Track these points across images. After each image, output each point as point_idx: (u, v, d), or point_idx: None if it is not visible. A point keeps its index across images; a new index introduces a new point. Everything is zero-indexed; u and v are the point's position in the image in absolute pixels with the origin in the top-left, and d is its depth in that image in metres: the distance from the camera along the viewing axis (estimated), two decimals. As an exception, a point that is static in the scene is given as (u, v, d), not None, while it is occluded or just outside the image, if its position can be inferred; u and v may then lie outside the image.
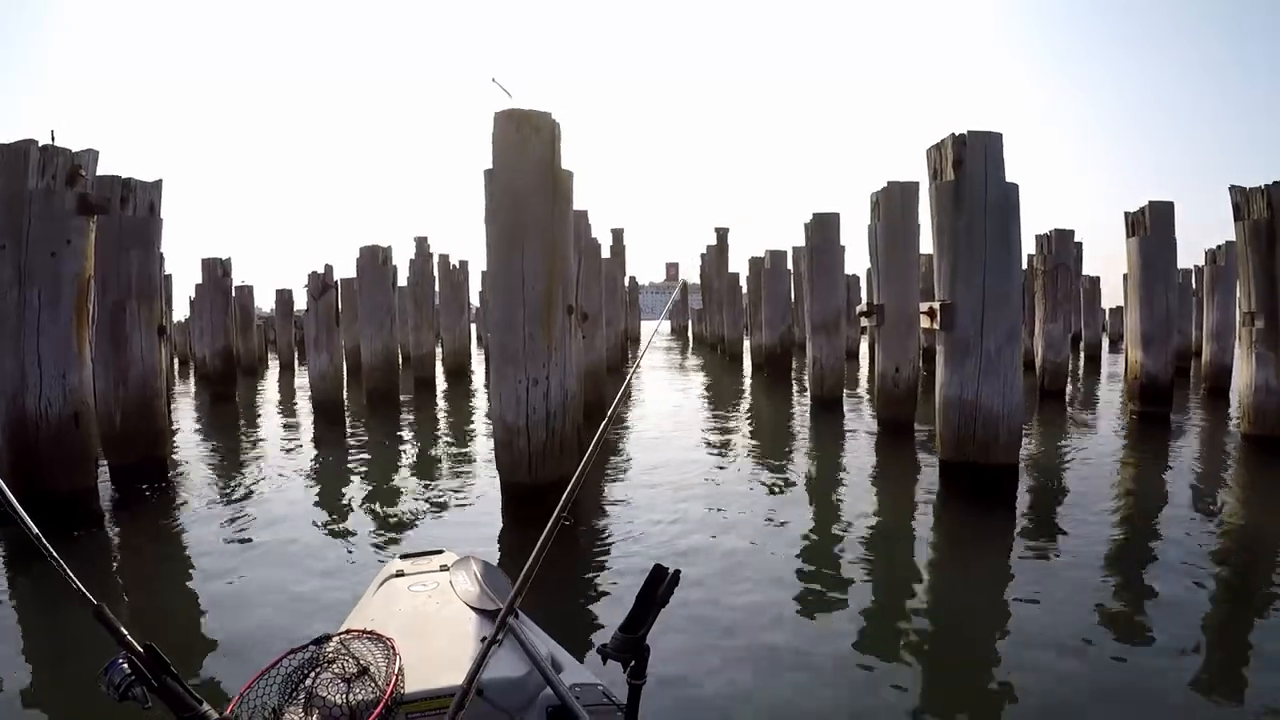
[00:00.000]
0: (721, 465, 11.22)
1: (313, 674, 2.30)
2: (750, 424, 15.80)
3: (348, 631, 2.52)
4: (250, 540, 7.79)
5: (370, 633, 2.47)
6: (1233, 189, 11.05)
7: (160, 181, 10.32)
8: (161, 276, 11.06)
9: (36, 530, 2.02)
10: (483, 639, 2.51)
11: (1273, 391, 10.70)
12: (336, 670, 2.30)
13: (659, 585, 1.95)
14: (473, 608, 2.95)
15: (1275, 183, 10.61)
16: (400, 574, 3.42)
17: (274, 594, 6.24)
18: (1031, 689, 4.48)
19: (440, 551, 3.67)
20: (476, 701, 2.29)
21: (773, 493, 9.49)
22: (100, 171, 9.00)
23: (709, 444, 13.06)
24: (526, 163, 7.71)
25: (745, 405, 18.94)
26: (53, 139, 8.14)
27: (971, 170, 8.17)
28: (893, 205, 12.48)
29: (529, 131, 7.72)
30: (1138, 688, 4.49)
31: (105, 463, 9.74)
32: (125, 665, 1.91)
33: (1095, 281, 30.78)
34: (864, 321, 13.33)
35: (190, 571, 7.07)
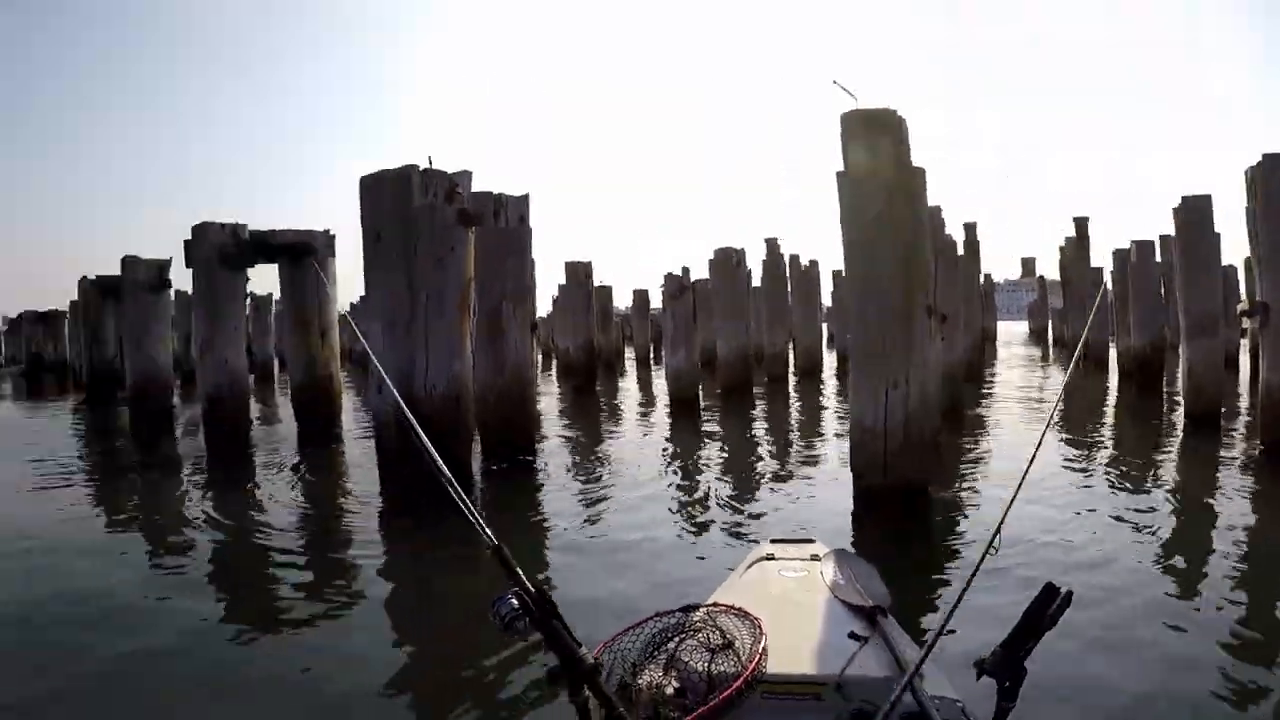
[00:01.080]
0: (1084, 481, 10.28)
1: (677, 639, 2.44)
2: (1112, 438, 14.38)
3: (715, 605, 2.64)
4: (612, 516, 8.63)
5: (738, 609, 2.55)
6: None
7: (527, 195, 11.48)
8: (533, 280, 12.26)
9: (450, 476, 2.39)
10: (849, 633, 2.65)
11: None
12: (701, 639, 2.41)
13: (1048, 606, 1.89)
14: (841, 600, 2.93)
15: None
16: (771, 557, 3.47)
17: (634, 568, 6.75)
18: None
19: (811, 540, 3.71)
20: (835, 696, 2.36)
21: (1132, 513, 8.56)
22: (475, 188, 10.17)
23: (1069, 456, 12.00)
24: (877, 163, 7.80)
25: (1108, 417, 17.32)
26: (430, 163, 9.25)
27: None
28: (1272, 183, 10.66)
29: (877, 131, 7.82)
30: None
31: (480, 443, 10.97)
32: (514, 600, 2.11)
33: None
34: (1245, 322, 11.72)
35: (554, 539, 7.90)
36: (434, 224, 9.06)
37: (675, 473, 11.00)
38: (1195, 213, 14.27)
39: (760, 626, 2.43)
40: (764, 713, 2.31)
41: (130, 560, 7.71)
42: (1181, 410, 14.91)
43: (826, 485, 10.01)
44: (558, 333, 28.95)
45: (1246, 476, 10.45)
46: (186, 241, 13.92)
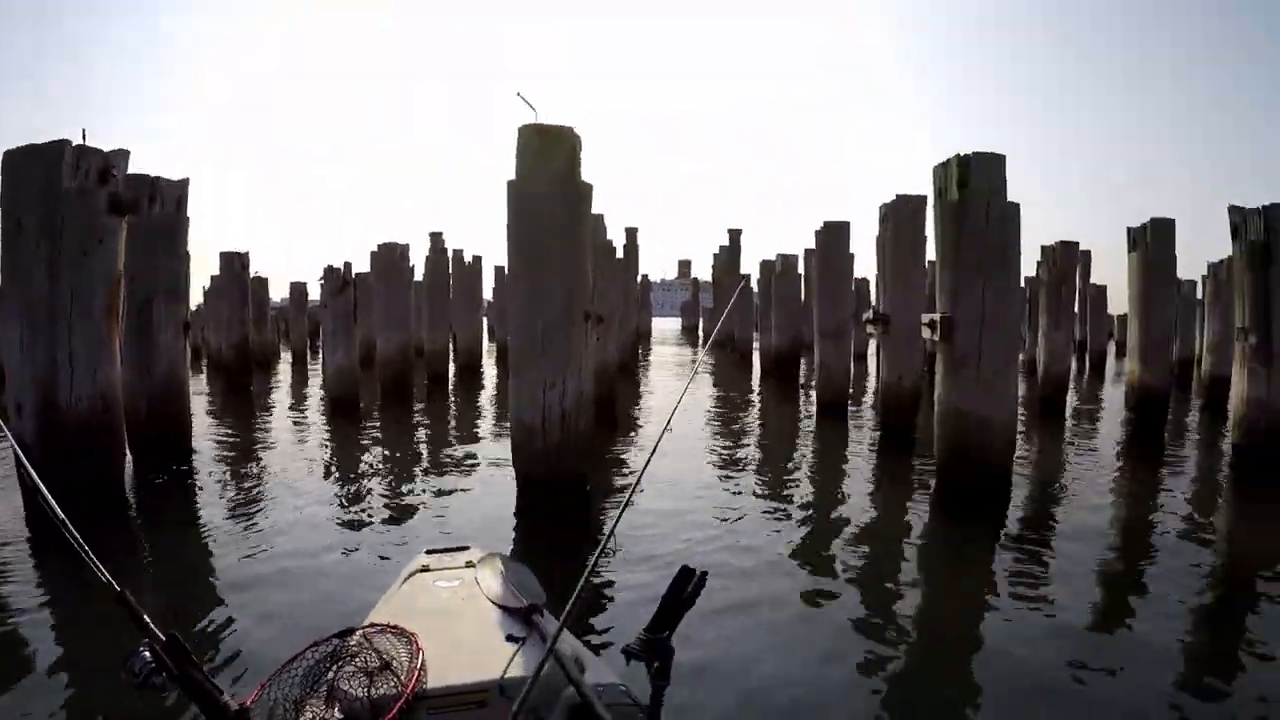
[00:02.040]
0: (730, 468, 11.52)
1: (335, 667, 2.36)
2: (758, 427, 16.11)
3: (371, 625, 2.59)
4: (273, 532, 7.98)
5: (394, 627, 2.53)
6: (1231, 209, 11.22)
7: (187, 180, 10.64)
8: (188, 275, 11.35)
9: (64, 517, 2.06)
10: (507, 636, 2.68)
11: (1264, 406, 10.87)
12: (359, 664, 2.35)
13: (685, 586, 1.95)
14: (498, 604, 2.94)
15: (1272, 205, 10.79)
16: (426, 569, 3.43)
17: (294, 585, 6.43)
18: (1011, 683, 4.83)
19: (466, 548, 3.68)
20: (499, 700, 2.36)
21: (776, 496, 9.77)
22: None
23: (717, 446, 13.34)
24: (549, 176, 8.03)
25: (754, 408, 19.22)
26: (84, 138, 8.30)
27: (975, 190, 8.42)
28: (901, 218, 12.79)
29: (551, 145, 8.03)
30: (1108, 694, 4.75)
31: (130, 454, 10.01)
32: (147, 654, 1.91)
33: (1102, 290, 30.91)
34: (870, 329, 13.56)
35: (211, 561, 7.28)
36: (83, 210, 8.10)
37: (335, 480, 10.46)
38: (834, 234, 16.59)
39: (416, 642, 2.45)
40: None
41: None
42: (815, 400, 17.02)
43: (489, 483, 10.19)
44: (210, 328, 26.96)
45: (870, 453, 12.61)
46: None
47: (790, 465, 11.93)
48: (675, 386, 23.19)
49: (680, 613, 1.97)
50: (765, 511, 9.02)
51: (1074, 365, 27.60)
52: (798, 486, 10.51)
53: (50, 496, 2.16)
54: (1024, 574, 6.91)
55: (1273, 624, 5.94)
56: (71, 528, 2.07)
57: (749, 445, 13.76)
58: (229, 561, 7.15)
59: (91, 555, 2.05)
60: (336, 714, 2.22)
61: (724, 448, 13.23)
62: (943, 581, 7.09)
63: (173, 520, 8.62)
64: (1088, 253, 34.62)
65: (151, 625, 1.94)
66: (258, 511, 8.78)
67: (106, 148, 8.46)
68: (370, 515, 8.74)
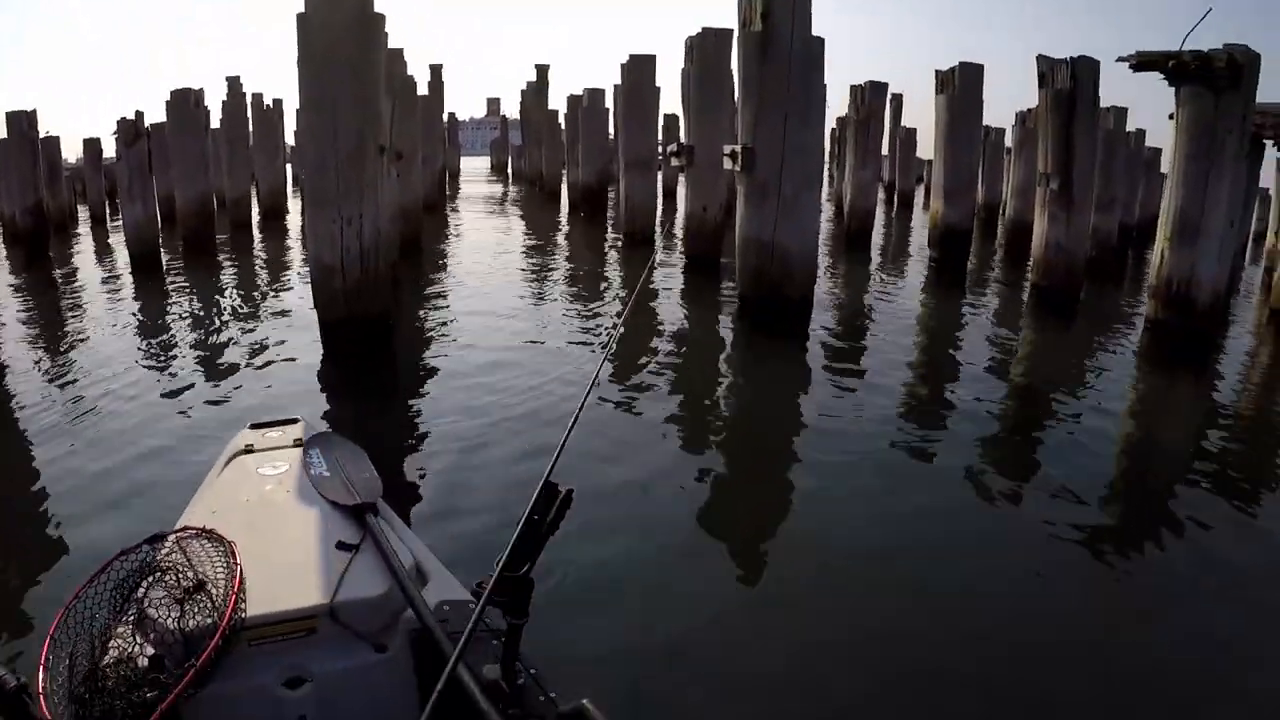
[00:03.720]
0: (540, 302, 11.74)
1: (145, 583, 2.08)
2: (567, 260, 16.31)
3: (185, 529, 2.29)
4: (83, 406, 7.19)
5: (210, 532, 2.24)
6: (1040, 58, 11.70)
7: None
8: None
9: None
10: (338, 543, 2.35)
11: (1061, 248, 11.60)
12: (170, 583, 2.07)
13: (548, 509, 1.73)
14: (328, 499, 2.63)
15: (1079, 56, 11.34)
16: (250, 449, 3.10)
17: (109, 473, 5.71)
18: (810, 488, 5.29)
19: (295, 420, 3.35)
20: (330, 626, 2.10)
21: (585, 325, 10.09)
22: None
23: (529, 280, 13.53)
24: (338, 6, 7.60)
25: (562, 241, 19.42)
26: None
27: (778, 21, 8.57)
28: (706, 51, 12.80)
29: (343, -24, 7.59)
30: (906, 497, 5.23)
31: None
32: None
33: (912, 133, 31.76)
34: (675, 161, 13.73)
35: (18, 440, 6.58)
36: None
37: (146, 345, 9.58)
38: (640, 68, 16.46)
39: (234, 554, 2.13)
40: (255, 662, 2.03)
41: None
42: (622, 232, 17.32)
43: (298, 329, 9.80)
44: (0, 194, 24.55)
45: (673, 280, 13.18)
46: None
47: (597, 291, 12.29)
48: (484, 224, 22.91)
49: (543, 540, 1.75)
50: (577, 340, 9.31)
51: (884, 206, 29.02)
52: (606, 311, 10.88)
53: None
54: (826, 381, 7.60)
55: (1055, 435, 6.68)
56: None
57: (557, 277, 14.02)
58: (42, 442, 6.44)
59: None
60: (147, 649, 1.93)
61: (533, 280, 13.48)
62: (750, 388, 7.70)
63: None
64: (899, 96, 35.45)
65: None
66: (67, 381, 8.05)
67: None
68: (182, 379, 8.11)
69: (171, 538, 2.24)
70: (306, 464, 2.86)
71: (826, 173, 32.44)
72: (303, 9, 7.69)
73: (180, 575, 2.07)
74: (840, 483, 5.34)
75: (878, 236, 20.25)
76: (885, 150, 33.04)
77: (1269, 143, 13.98)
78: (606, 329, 9.84)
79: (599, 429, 6.14)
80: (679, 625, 3.68)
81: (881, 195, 30.68)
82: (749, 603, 4.03)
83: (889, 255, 18.17)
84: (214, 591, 2.02)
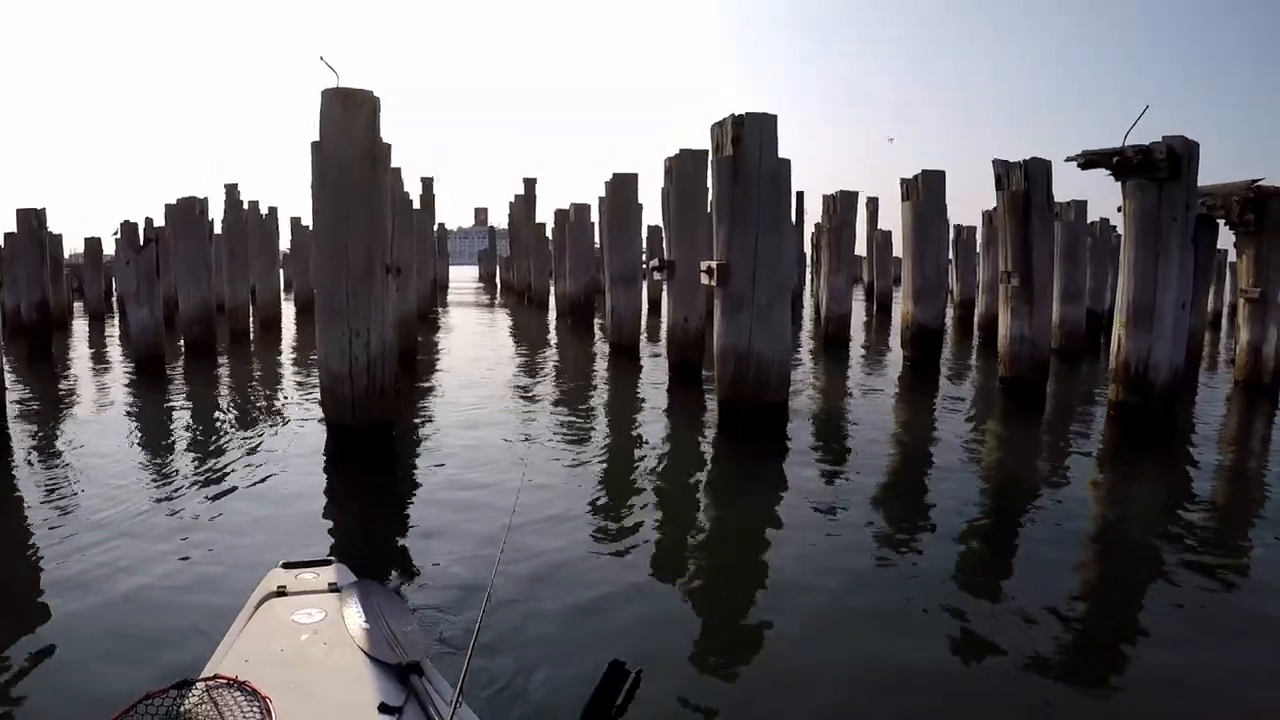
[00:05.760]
0: (530, 405, 12.27)
1: None
2: (556, 367, 16.92)
3: (216, 678, 2.19)
4: (92, 529, 6.80)
5: (242, 684, 2.14)
6: (995, 162, 12.45)
7: None
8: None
9: None
10: (380, 705, 2.22)
11: (1025, 340, 12.17)
12: None
13: (617, 689, 1.69)
14: (369, 655, 2.50)
15: (1031, 158, 12.09)
16: (282, 591, 2.98)
17: (121, 574, 5.73)
18: (791, 603, 5.37)
19: (329, 562, 3.28)
20: None
21: (573, 430, 10.52)
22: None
23: (518, 385, 14.13)
24: (350, 137, 8.32)
25: (551, 350, 20.03)
26: None
27: (748, 147, 9.27)
28: (684, 171, 13.65)
29: (353, 109, 8.31)
30: (886, 603, 5.37)
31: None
32: None
33: (888, 235, 32.57)
34: (656, 275, 14.37)
35: (29, 547, 6.55)
36: None
37: (152, 445, 10.01)
38: (623, 186, 17.39)
39: (270, 709, 2.04)
40: None
41: None
42: (609, 342, 17.84)
43: (303, 433, 10.35)
44: (7, 290, 24.97)
45: (660, 390, 13.59)
46: None
47: (586, 401, 12.79)
48: (476, 342, 23.33)
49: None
50: (565, 442, 9.81)
51: (863, 307, 29.76)
52: (594, 418, 11.40)
53: None
54: (803, 490, 7.86)
55: (1036, 529, 7.04)
56: None
57: (546, 383, 14.62)
58: (46, 547, 6.44)
59: None
60: None
61: (524, 386, 14.05)
62: (728, 499, 7.96)
63: None
64: (875, 199, 36.78)
65: None
66: (72, 507, 7.58)
67: None
68: (190, 474, 8.50)
69: (201, 685, 2.14)
70: (345, 614, 2.74)
71: (809, 277, 33.39)
72: (316, 138, 8.39)
73: None
74: (814, 607, 5.30)
75: (857, 338, 20.84)
76: (865, 252, 34.16)
77: (1221, 222, 14.68)
78: (596, 433, 10.32)
79: (579, 536, 6.49)
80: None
81: (861, 296, 31.56)
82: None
83: (867, 356, 18.74)
84: None
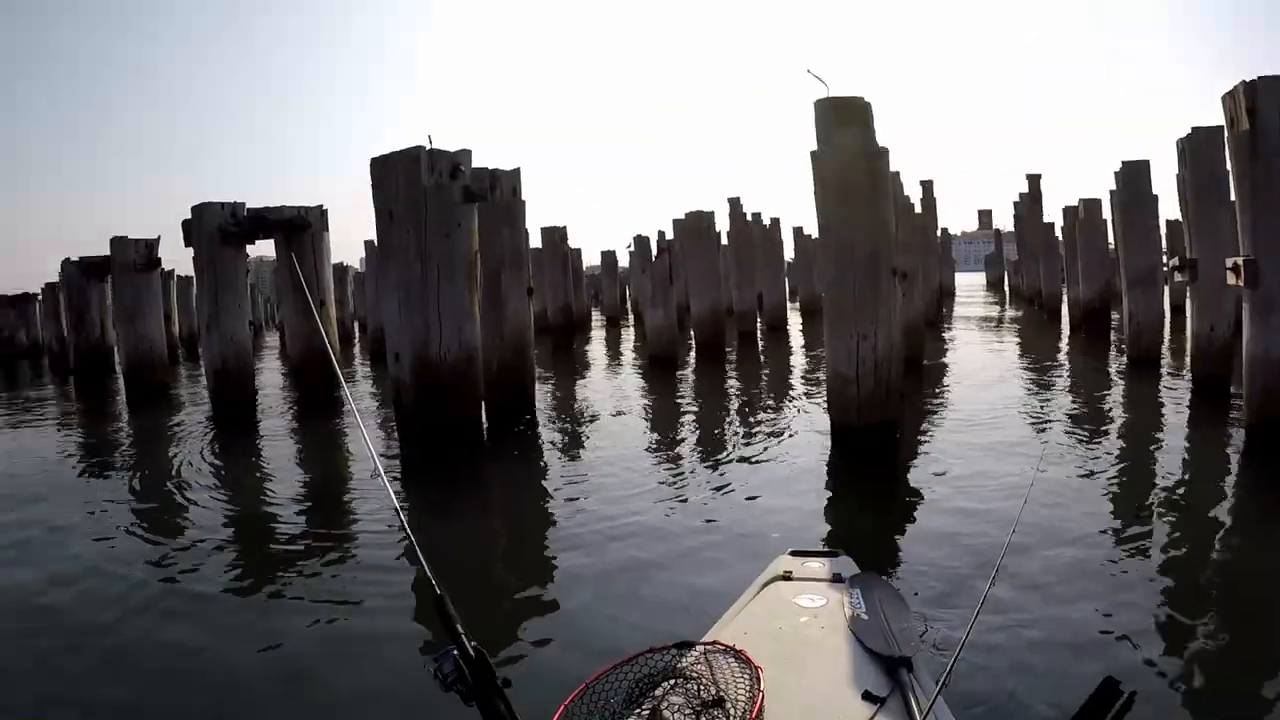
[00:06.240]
0: (1032, 417, 11.77)
1: (666, 684, 2.16)
2: (1068, 379, 15.79)
3: (714, 643, 2.35)
4: (611, 497, 8.26)
5: (738, 652, 2.28)
6: None
7: (518, 170, 12.43)
8: (528, 248, 13.09)
9: (397, 506, 2.30)
10: (864, 693, 2.27)
11: None
12: (691, 691, 2.13)
13: (1107, 709, 1.59)
14: (862, 644, 2.56)
15: None
16: (788, 575, 3.14)
17: (635, 550, 6.57)
18: None
19: (836, 554, 3.36)
20: None
21: (1081, 448, 9.78)
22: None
23: (1029, 398, 13.58)
24: (846, 145, 8.86)
25: (1061, 360, 18.75)
26: (430, 142, 9.85)
27: (1265, 118, 8.11)
28: (1199, 153, 12.07)
29: (846, 117, 8.85)
30: None
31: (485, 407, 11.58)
32: (459, 658, 1.91)
33: None
34: (1177, 276, 13.01)
35: (550, 508, 8.26)
36: (441, 201, 9.73)
37: (664, 430, 11.71)
38: (1134, 175, 15.85)
39: (759, 678, 2.15)
40: None
41: (168, 526, 8.14)
42: (1126, 355, 16.44)
43: (805, 430, 11.02)
44: (535, 295, 29.70)
45: (1182, 409, 12.06)
46: (185, 221, 14.50)
47: (1096, 418, 11.82)
48: (982, 351, 22.69)
49: None
50: (1073, 460, 9.12)
51: None
52: (1104, 437, 10.52)
53: (389, 485, 2.59)
54: None
55: None
56: (405, 522, 2.24)
57: (1056, 395, 13.76)
58: (566, 509, 8.00)
59: (420, 552, 2.13)
60: None
61: (1029, 399, 13.43)
62: (1250, 533, 6.86)
63: (522, 462, 10.21)
64: None
65: (463, 636, 1.94)
66: (597, 474, 9.45)
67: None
68: (695, 460, 9.76)
69: (700, 648, 2.31)
70: (846, 602, 2.82)
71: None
72: (815, 148, 9.02)
73: (702, 686, 2.13)
74: None
75: None
76: None
77: None
78: (1108, 461, 9.29)
79: (1081, 555, 6.10)
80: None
81: None
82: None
83: None
84: (732, 711, 2.04)
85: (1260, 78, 8.21)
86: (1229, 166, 9.04)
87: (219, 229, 14.36)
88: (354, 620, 5.46)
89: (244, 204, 14.65)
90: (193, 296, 25.05)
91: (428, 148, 9.79)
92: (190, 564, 6.81)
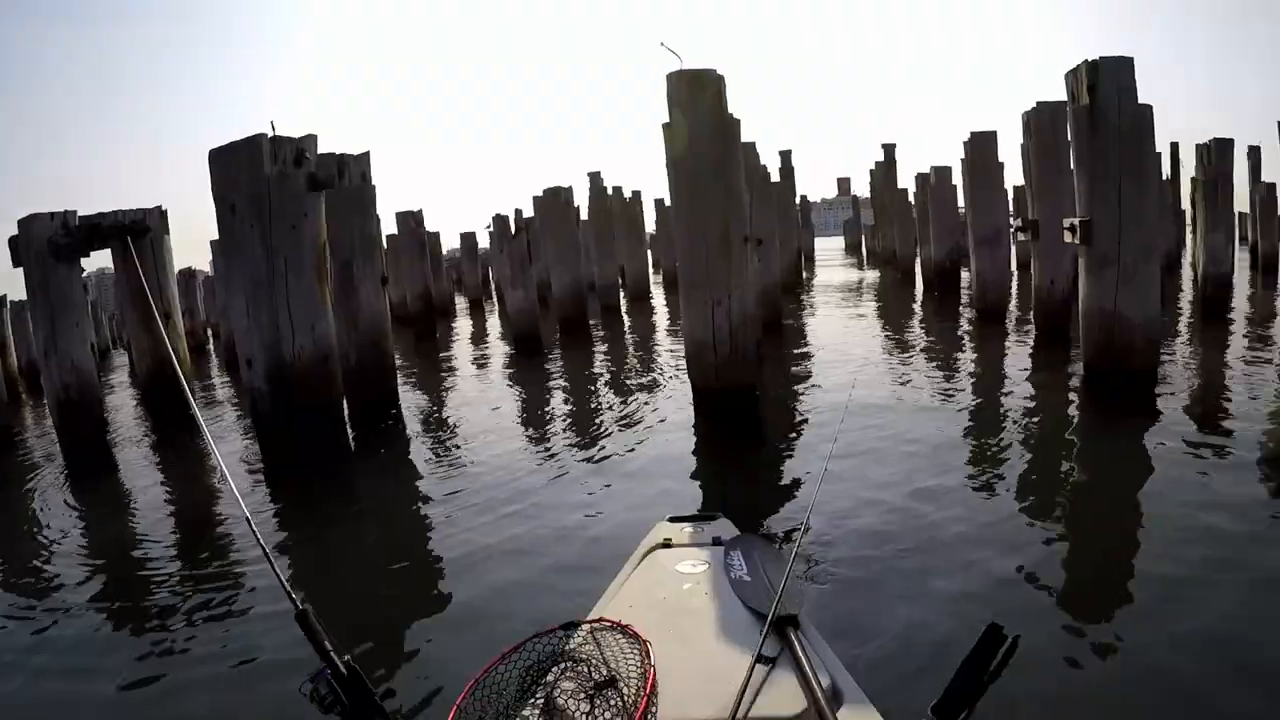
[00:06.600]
0: (898, 370, 12.48)
1: (557, 670, 2.13)
2: (920, 334, 16.67)
3: (600, 620, 2.34)
4: (486, 482, 8.25)
5: (625, 627, 2.27)
6: None
7: (368, 153, 11.86)
8: (379, 235, 12.61)
9: (249, 514, 2.21)
10: (757, 657, 2.25)
11: None
12: (582, 674, 2.09)
13: (992, 654, 1.63)
14: (748, 606, 2.58)
15: None
16: (668, 543, 3.14)
17: (515, 530, 6.57)
18: (1147, 546, 5.39)
19: (714, 517, 3.38)
20: None
21: (940, 395, 10.50)
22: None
23: (885, 351, 14.37)
24: (698, 117, 8.83)
25: (915, 318, 19.68)
26: (273, 129, 9.26)
27: (1104, 94, 8.62)
28: (1042, 125, 12.86)
29: (698, 89, 8.82)
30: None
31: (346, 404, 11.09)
32: (332, 676, 1.85)
33: (1271, 188, 28.05)
34: (1020, 236, 13.77)
35: (423, 505, 8.00)
36: (286, 191, 9.15)
37: (531, 412, 11.66)
38: (981, 145, 16.69)
39: (648, 652, 2.14)
40: None
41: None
42: (974, 309, 17.38)
43: (670, 398, 11.34)
44: (392, 284, 28.90)
45: (1026, 357, 12.99)
46: (12, 238, 13.03)
47: (948, 364, 12.74)
48: (841, 311, 23.30)
49: (984, 686, 1.65)
50: (926, 406, 9.86)
51: (1248, 270, 26.27)
52: (956, 381, 11.35)
53: (240, 495, 2.44)
54: (1174, 458, 7.23)
55: None
56: (262, 542, 2.15)
57: (910, 350, 14.50)
58: (439, 502, 7.84)
59: (276, 568, 2.03)
60: None
61: (886, 354, 14.15)
62: (1092, 461, 7.74)
63: (388, 464, 9.80)
64: (1257, 149, 32.03)
65: (332, 653, 1.86)
66: (465, 464, 9.34)
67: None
68: (566, 441, 9.71)
69: (586, 627, 2.29)
70: (727, 565, 2.82)
71: (1188, 237, 29.59)
72: (667, 120, 8.98)
73: (592, 668, 2.09)
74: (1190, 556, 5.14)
75: (1240, 303, 18.42)
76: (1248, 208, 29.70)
77: None
78: (960, 398, 10.27)
79: (945, 483, 6.75)
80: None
81: (1246, 258, 27.73)
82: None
83: (1252, 323, 16.18)
84: (625, 691, 2.01)
85: (1101, 58, 8.76)
86: (1069, 137, 9.46)
87: (49, 242, 13.00)
88: (230, 647, 5.13)
89: (75, 212, 13.33)
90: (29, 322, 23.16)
91: (270, 135, 9.18)
92: (50, 620, 6.06)
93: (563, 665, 2.13)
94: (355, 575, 6.32)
